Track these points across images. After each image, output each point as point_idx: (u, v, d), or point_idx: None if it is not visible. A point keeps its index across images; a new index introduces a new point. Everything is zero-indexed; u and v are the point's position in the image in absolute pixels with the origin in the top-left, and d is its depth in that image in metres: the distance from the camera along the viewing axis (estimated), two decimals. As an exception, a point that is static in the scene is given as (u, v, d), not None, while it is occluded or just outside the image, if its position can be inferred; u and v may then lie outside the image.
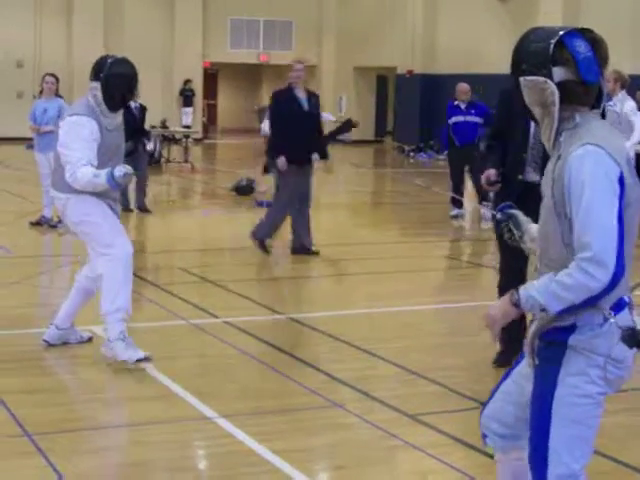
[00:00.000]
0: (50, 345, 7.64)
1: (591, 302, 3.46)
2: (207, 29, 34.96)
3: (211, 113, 41.11)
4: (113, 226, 7.23)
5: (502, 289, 7.42)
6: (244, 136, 34.28)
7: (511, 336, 5.94)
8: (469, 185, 16.68)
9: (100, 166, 6.99)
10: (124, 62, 7.28)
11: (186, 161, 24.71)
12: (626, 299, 3.60)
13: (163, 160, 24.35)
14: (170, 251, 12.93)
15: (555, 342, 3.60)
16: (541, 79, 3.54)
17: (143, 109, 16.49)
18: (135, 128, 15.19)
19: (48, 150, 13.72)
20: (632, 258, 3.58)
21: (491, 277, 8.67)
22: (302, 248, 12.23)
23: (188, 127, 31.10)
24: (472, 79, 20.03)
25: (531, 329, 3.68)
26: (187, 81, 34.35)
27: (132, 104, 15.49)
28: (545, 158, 4.35)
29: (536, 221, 3.85)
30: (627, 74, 13.86)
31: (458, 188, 16.29)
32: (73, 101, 32.73)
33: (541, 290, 3.49)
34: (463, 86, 16.32)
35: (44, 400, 6.53)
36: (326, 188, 19.32)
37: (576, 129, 3.56)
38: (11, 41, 31.74)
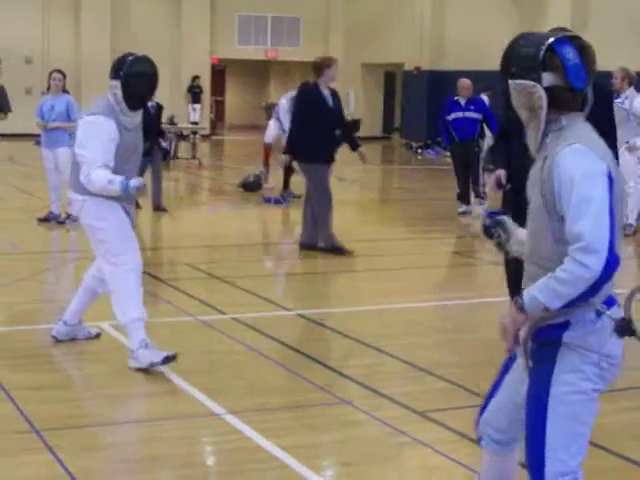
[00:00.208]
0: (58, 341, 7.64)
1: (589, 294, 3.50)
2: (215, 25, 34.96)
3: (219, 109, 41.11)
4: (126, 236, 7.12)
5: (510, 287, 7.42)
6: (252, 132, 34.25)
7: None
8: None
9: (118, 166, 6.89)
10: (145, 60, 7.17)
11: (194, 157, 24.73)
12: (615, 297, 3.68)
13: (170, 157, 24.36)
14: (177, 247, 12.94)
15: (549, 341, 3.64)
16: (530, 83, 3.61)
17: (159, 108, 16.32)
18: (152, 127, 15.10)
19: (55, 146, 13.75)
20: (621, 250, 3.61)
21: (498, 274, 8.65)
22: (311, 244, 12.20)
23: (196, 123, 31.10)
24: (480, 76, 20.02)
25: (523, 330, 3.69)
26: (195, 77, 34.35)
27: (149, 103, 15.41)
28: None
29: None
30: (635, 72, 13.87)
31: (464, 184, 16.28)
32: (81, 97, 32.85)
33: (541, 289, 3.53)
34: (465, 82, 16.25)
35: (52, 396, 6.54)
36: (333, 185, 19.28)
37: (562, 131, 3.64)
38: (19, 37, 31.79)
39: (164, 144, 19.01)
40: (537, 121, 3.66)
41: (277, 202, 16.94)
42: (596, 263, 3.43)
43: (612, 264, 3.46)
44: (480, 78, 19.36)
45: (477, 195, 16.24)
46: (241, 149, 31.87)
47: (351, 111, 31.76)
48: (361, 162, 12.99)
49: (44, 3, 32.73)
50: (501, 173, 7.80)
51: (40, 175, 14.37)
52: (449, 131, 16.29)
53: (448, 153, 28.58)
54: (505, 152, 7.87)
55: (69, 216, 13.89)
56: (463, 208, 16.15)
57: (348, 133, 12.71)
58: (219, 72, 40.00)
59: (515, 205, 5.46)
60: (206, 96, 35.34)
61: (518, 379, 3.84)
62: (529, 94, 3.63)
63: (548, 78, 3.60)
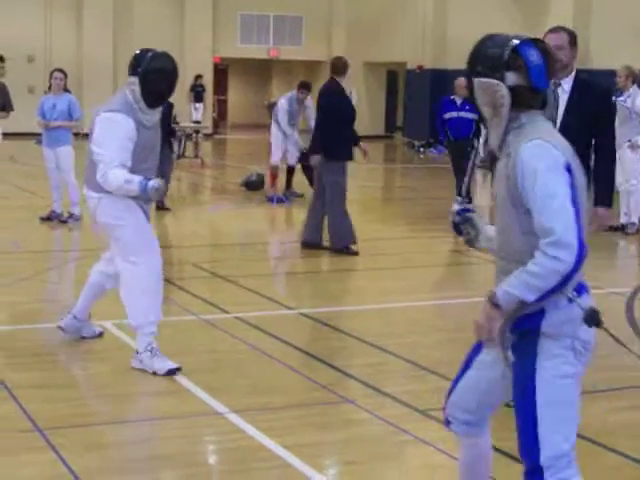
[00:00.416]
0: (64, 332, 7.59)
1: (562, 284, 3.61)
2: (217, 24, 34.97)
3: (221, 108, 41.12)
4: (145, 235, 7.00)
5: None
6: (254, 131, 34.26)
7: None
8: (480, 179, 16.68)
9: (135, 165, 6.75)
10: (164, 56, 6.94)
11: (196, 156, 24.72)
12: (584, 284, 3.81)
13: (174, 155, 24.32)
14: (181, 246, 12.94)
15: (528, 330, 3.76)
16: (494, 82, 3.77)
17: (170, 106, 15.94)
18: (163, 126, 14.96)
19: (56, 145, 13.76)
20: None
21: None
22: (314, 242, 12.18)
23: (198, 122, 31.10)
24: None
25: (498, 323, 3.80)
26: (198, 77, 34.35)
27: None
28: None
29: None
30: (639, 70, 13.89)
31: (468, 181, 16.28)
32: (82, 96, 32.84)
33: (514, 284, 3.64)
34: (461, 81, 16.16)
35: (55, 395, 6.54)
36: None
37: (522, 128, 3.79)
38: (22, 36, 31.81)
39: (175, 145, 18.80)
40: (499, 118, 3.80)
41: (280, 201, 16.94)
42: (568, 256, 3.55)
43: (582, 253, 3.57)
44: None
45: (459, 194, 16.21)
46: (243, 148, 31.87)
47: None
48: (363, 158, 13.03)
49: (46, 2, 32.76)
50: None
51: (42, 174, 14.38)
52: (445, 130, 16.35)
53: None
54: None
55: (71, 215, 13.92)
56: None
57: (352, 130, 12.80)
58: (221, 71, 40.00)
59: None
60: (208, 95, 35.35)
61: (488, 363, 3.98)
62: (493, 92, 3.78)
63: (511, 78, 3.76)
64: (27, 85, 30.74)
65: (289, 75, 39.10)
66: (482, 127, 15.96)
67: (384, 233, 14.34)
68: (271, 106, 17.65)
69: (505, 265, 3.81)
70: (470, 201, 16.12)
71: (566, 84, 6.69)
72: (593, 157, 6.64)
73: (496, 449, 4.31)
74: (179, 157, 23.90)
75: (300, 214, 15.75)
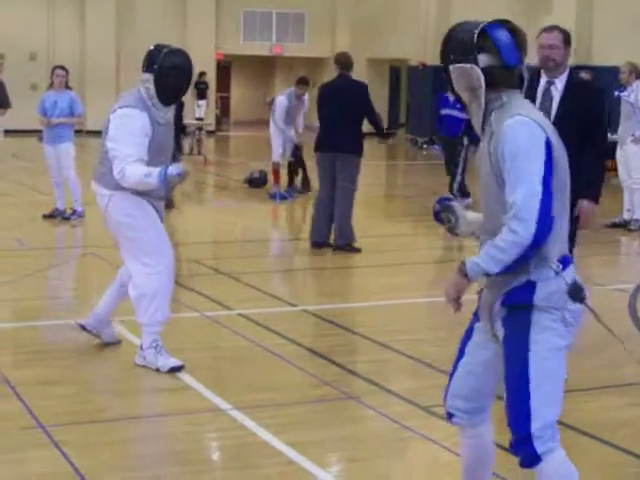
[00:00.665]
0: (83, 330, 7.44)
1: (522, 259, 3.76)
2: (220, 21, 34.94)
3: (224, 105, 41.09)
4: (158, 233, 6.90)
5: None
6: (257, 128, 34.24)
7: None
8: None
9: (150, 162, 6.62)
10: (180, 53, 6.86)
11: (199, 153, 24.70)
12: (569, 257, 3.94)
13: (181, 156, 24.30)
14: (183, 243, 12.93)
15: (519, 305, 3.88)
16: (467, 66, 3.90)
17: (181, 104, 15.79)
18: (175, 124, 14.89)
19: (57, 142, 13.76)
20: (567, 212, 3.93)
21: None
22: (324, 242, 12.11)
23: (201, 119, 31.09)
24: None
25: (484, 299, 4.02)
26: (201, 74, 34.31)
27: None
28: None
29: None
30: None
31: (462, 178, 16.29)
32: (85, 93, 32.80)
33: (481, 256, 3.84)
34: None
35: (58, 392, 6.54)
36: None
37: (504, 106, 3.90)
38: (24, 34, 31.79)
39: (186, 141, 18.63)
40: (478, 100, 3.92)
41: (282, 198, 16.93)
42: (524, 230, 3.70)
43: (541, 232, 3.71)
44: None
45: (450, 191, 16.21)
46: (246, 145, 31.87)
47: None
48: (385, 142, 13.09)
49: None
50: None
51: (45, 171, 14.38)
52: (441, 126, 16.45)
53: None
54: None
55: (74, 212, 13.92)
56: (461, 201, 16.15)
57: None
58: (224, 68, 39.97)
59: None
60: (211, 92, 35.32)
61: (479, 345, 4.10)
62: (468, 76, 3.91)
63: (484, 59, 3.89)
64: (30, 83, 30.70)
65: (292, 72, 39.07)
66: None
67: (387, 230, 14.33)
68: (272, 103, 17.59)
69: (489, 239, 3.90)
70: (467, 197, 16.10)
71: (559, 82, 6.76)
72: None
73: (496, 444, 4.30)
74: (190, 153, 23.79)
75: (303, 210, 15.77)
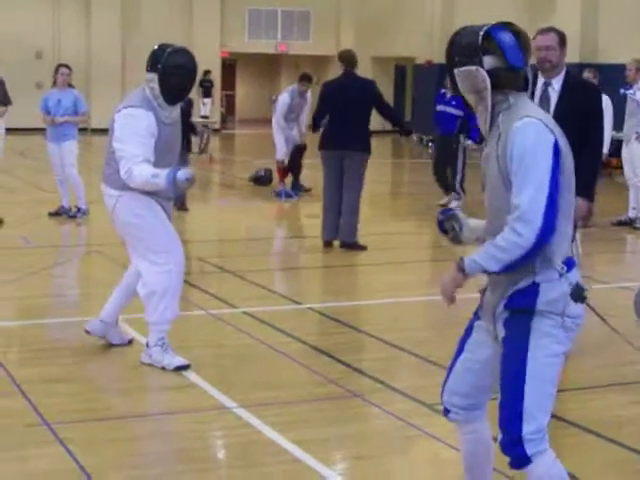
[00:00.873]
0: (90, 343, 7.40)
1: (524, 260, 3.79)
2: (225, 19, 34.97)
3: (229, 103, 41.11)
4: (167, 232, 6.88)
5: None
6: (262, 126, 34.25)
7: None
8: None
9: (156, 162, 6.60)
10: (183, 52, 6.82)
11: (205, 152, 24.69)
12: (573, 258, 3.95)
13: (190, 156, 24.22)
14: (189, 241, 12.93)
15: (521, 309, 3.89)
16: (473, 68, 3.92)
17: (189, 102, 15.62)
18: (183, 124, 14.82)
19: (62, 140, 13.77)
20: (572, 213, 3.95)
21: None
22: (333, 239, 12.09)
23: (206, 117, 31.10)
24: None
25: (488, 299, 4.03)
26: (206, 72, 34.33)
27: None
28: None
29: None
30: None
31: (446, 176, 16.27)
32: (90, 91, 32.76)
33: (481, 254, 3.86)
34: None
35: (63, 390, 6.55)
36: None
37: (511, 108, 3.92)
38: (30, 32, 31.85)
39: (195, 138, 18.53)
40: (484, 102, 3.94)
41: (288, 196, 16.93)
42: (528, 232, 3.73)
43: (545, 233, 3.74)
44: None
45: (453, 190, 16.18)
46: (251, 143, 31.89)
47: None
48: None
49: (54, -3, 32.82)
50: None
51: (51, 169, 14.38)
52: (437, 122, 16.49)
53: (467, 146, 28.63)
54: None
55: (79, 209, 13.93)
56: (445, 200, 16.16)
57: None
58: (229, 66, 39.99)
59: None
60: (216, 90, 35.34)
61: (479, 343, 4.13)
62: (473, 78, 3.92)
63: (489, 61, 3.91)
64: (35, 81, 30.75)
65: (297, 70, 39.07)
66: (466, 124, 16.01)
67: (392, 228, 14.34)
68: (277, 101, 17.56)
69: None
70: (462, 196, 16.07)
71: (556, 83, 6.86)
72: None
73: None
74: (201, 152, 23.73)
75: (308, 208, 15.77)
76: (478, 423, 4.21)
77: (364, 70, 34.79)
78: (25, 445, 5.57)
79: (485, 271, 3.86)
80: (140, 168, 6.53)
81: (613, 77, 18.06)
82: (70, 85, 14.06)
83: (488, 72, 3.89)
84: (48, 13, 32.62)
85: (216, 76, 35.06)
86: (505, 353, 3.93)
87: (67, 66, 14.18)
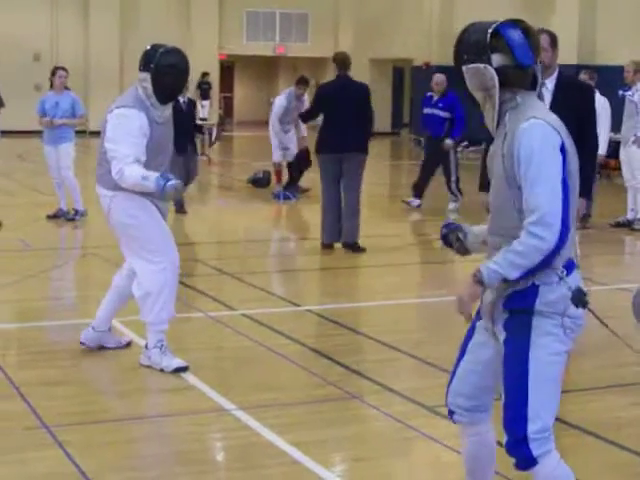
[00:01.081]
0: (87, 348, 7.38)
1: (545, 263, 3.75)
2: (223, 21, 34.97)
3: (227, 105, 41.10)
4: (161, 231, 6.90)
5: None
6: (260, 128, 34.23)
7: None
8: None
9: (148, 162, 6.64)
10: (175, 52, 6.85)
11: (203, 154, 24.68)
12: (574, 261, 3.93)
13: (198, 157, 24.15)
14: (187, 244, 12.94)
15: (520, 309, 3.87)
16: (481, 65, 3.90)
17: (192, 103, 15.74)
18: (185, 125, 14.83)
19: (59, 143, 13.77)
20: (574, 223, 3.91)
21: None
22: (334, 242, 12.08)
23: (204, 120, 31.08)
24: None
25: (486, 298, 3.97)
26: (205, 74, 34.34)
27: (180, 99, 15.22)
28: None
29: None
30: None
31: (425, 179, 16.24)
32: (89, 93, 32.69)
33: (499, 262, 3.78)
34: (438, 77, 16.26)
35: (62, 392, 6.55)
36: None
37: (519, 107, 3.90)
38: (28, 35, 31.84)
39: (205, 136, 18.47)
40: (492, 100, 3.92)
41: (286, 198, 16.92)
42: (550, 235, 3.69)
43: (564, 234, 3.71)
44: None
45: (450, 192, 16.16)
46: (250, 145, 31.89)
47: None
48: None
49: (53, 0, 32.77)
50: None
51: (48, 172, 14.38)
52: (425, 125, 16.50)
53: (459, 149, 28.62)
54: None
55: (76, 212, 13.93)
56: (410, 199, 16.12)
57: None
58: (227, 68, 39.98)
59: None
60: (215, 92, 35.34)
61: (481, 344, 4.10)
62: (481, 75, 3.90)
63: (497, 59, 3.88)
64: (34, 83, 30.75)
65: (295, 72, 39.08)
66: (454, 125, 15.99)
67: (391, 229, 14.33)
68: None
69: (498, 240, 3.93)
70: (459, 198, 16.06)
71: (549, 83, 6.96)
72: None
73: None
74: (211, 145, 23.59)
75: (307, 210, 15.77)
76: (482, 426, 4.19)
77: (362, 72, 34.86)
78: (24, 448, 5.57)
79: (505, 280, 3.79)
80: (131, 169, 6.57)
81: (611, 79, 18.07)
82: (67, 88, 14.06)
83: (496, 70, 3.86)
84: (46, 15, 32.62)
85: (214, 78, 35.07)
86: (507, 354, 3.92)
87: (64, 69, 14.18)
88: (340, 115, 11.86)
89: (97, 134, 6.89)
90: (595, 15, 25.21)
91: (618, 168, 14.92)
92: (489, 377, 4.10)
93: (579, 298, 3.83)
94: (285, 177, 17.63)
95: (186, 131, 14.70)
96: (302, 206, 16.59)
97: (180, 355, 7.06)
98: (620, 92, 14.52)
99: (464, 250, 4.31)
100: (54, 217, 14.02)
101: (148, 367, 6.99)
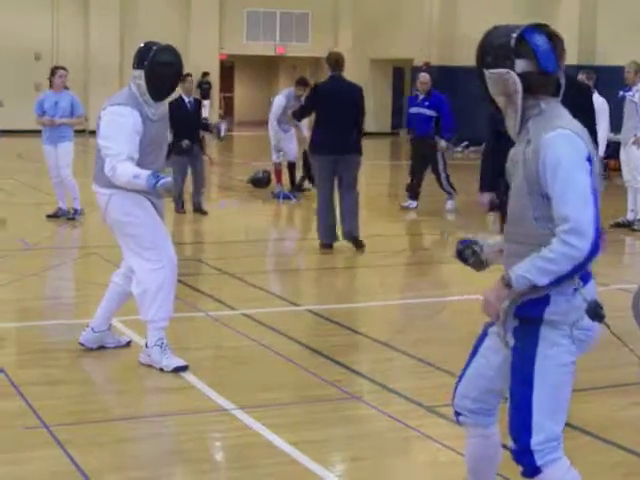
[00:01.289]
0: (87, 348, 7.39)
1: (576, 271, 3.72)
2: (223, 21, 34.98)
3: (227, 105, 41.12)
4: (158, 230, 6.93)
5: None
6: (261, 128, 34.23)
7: None
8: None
9: (142, 159, 6.67)
10: (169, 49, 6.90)
11: (203, 153, 24.63)
12: (590, 271, 3.89)
13: (206, 157, 24.06)
14: (188, 243, 12.96)
15: (530, 318, 3.84)
16: (504, 71, 3.82)
17: (198, 103, 15.72)
18: (191, 125, 14.87)
19: (59, 142, 13.77)
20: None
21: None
22: (332, 242, 12.10)
23: (206, 119, 31.06)
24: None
25: (502, 305, 3.89)
26: (205, 74, 34.35)
27: (186, 99, 15.24)
28: None
29: None
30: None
31: (418, 180, 16.23)
32: (89, 92, 32.65)
33: (529, 268, 3.72)
34: (422, 76, 16.33)
35: (62, 392, 6.56)
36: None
37: (542, 115, 3.85)
38: (29, 34, 31.85)
39: (222, 132, 18.43)
40: (514, 106, 3.86)
41: (286, 198, 16.93)
42: (584, 244, 3.64)
43: (597, 242, 3.67)
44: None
45: (443, 190, 16.15)
46: (250, 145, 31.88)
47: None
48: None
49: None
50: (491, 197, 8.05)
51: (47, 172, 14.38)
52: (411, 125, 16.51)
53: (459, 149, 28.64)
54: (492, 174, 8.10)
55: (75, 211, 13.94)
56: (407, 203, 16.12)
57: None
58: (228, 68, 39.99)
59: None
60: (215, 92, 35.34)
61: (492, 349, 4.05)
62: (504, 81, 3.83)
63: (521, 64, 3.81)
64: (34, 82, 30.74)
65: (296, 72, 39.09)
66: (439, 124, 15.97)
67: (391, 230, 14.34)
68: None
69: (515, 247, 3.91)
70: (453, 194, 16.05)
71: None
72: None
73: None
74: (221, 138, 23.52)
75: (306, 210, 15.77)
76: (488, 429, 4.17)
77: (362, 72, 34.92)
78: (24, 447, 5.58)
79: (533, 285, 3.74)
80: (124, 167, 6.60)
81: (611, 79, 18.08)
82: (66, 87, 14.06)
83: (519, 75, 3.80)
84: (47, 15, 32.63)
85: (214, 78, 35.08)
86: (513, 362, 3.91)
87: (64, 68, 14.18)
88: (334, 116, 11.87)
89: (96, 133, 6.90)
90: (595, 16, 25.23)
91: (618, 169, 14.92)
92: (498, 382, 4.07)
93: (595, 311, 3.79)
94: (285, 177, 17.63)
95: (192, 131, 14.71)
96: (302, 205, 16.59)
97: (180, 354, 7.06)
98: (621, 92, 14.52)
99: (480, 263, 4.22)
100: (54, 216, 14.02)
101: (148, 366, 7.00)
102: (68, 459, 5.36)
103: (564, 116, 3.88)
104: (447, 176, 16.09)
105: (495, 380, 4.07)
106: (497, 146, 8.01)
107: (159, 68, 6.77)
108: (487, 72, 3.88)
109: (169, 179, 6.57)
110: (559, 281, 3.73)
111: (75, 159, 14.17)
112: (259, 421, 5.98)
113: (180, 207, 14.96)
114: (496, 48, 3.84)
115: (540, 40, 3.83)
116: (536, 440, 3.80)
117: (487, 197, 8.11)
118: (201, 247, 12.63)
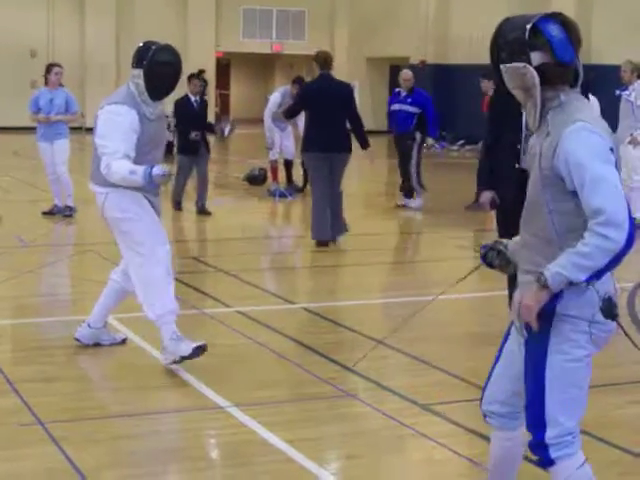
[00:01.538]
0: (82, 344, 7.41)
1: (613, 263, 3.66)
2: (220, 19, 34.96)
3: (224, 103, 41.10)
4: (153, 225, 6.92)
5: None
6: (257, 126, 34.22)
7: None
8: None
9: (140, 157, 6.68)
10: (168, 49, 6.90)
11: (208, 153, 24.56)
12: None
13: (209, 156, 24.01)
14: (183, 240, 12.96)
15: (543, 312, 3.77)
16: (520, 65, 3.75)
17: (203, 102, 15.65)
18: (197, 124, 14.84)
19: (54, 139, 13.77)
20: None
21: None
22: (327, 239, 12.11)
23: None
24: (486, 69, 19.95)
25: (516, 297, 3.87)
26: (201, 71, 34.26)
27: (192, 98, 15.24)
28: None
29: None
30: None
31: (409, 177, 16.21)
32: (85, 90, 32.61)
33: (564, 265, 3.64)
34: (405, 73, 16.28)
35: (57, 389, 6.56)
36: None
37: (562, 107, 3.78)
38: (25, 31, 31.83)
39: (226, 132, 18.41)
40: (533, 99, 3.79)
41: (282, 196, 16.93)
42: (619, 235, 3.58)
43: (632, 232, 3.62)
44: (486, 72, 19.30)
45: (412, 188, 16.06)
46: (246, 142, 31.84)
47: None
48: None
49: (49, -4, 32.81)
50: (491, 195, 8.09)
51: (43, 168, 14.38)
52: (393, 122, 16.44)
53: (455, 147, 28.66)
54: (490, 172, 8.16)
55: (70, 208, 13.93)
56: (404, 201, 16.09)
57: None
58: (224, 66, 39.96)
59: (512, 211, 5.51)
60: (211, 90, 35.32)
61: (514, 349, 4.01)
62: (521, 75, 3.76)
63: (537, 57, 3.74)
64: (30, 80, 30.71)
65: (292, 70, 39.07)
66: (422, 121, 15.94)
67: (387, 228, 14.34)
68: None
69: (529, 239, 3.87)
70: (420, 192, 16.01)
71: None
72: None
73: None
74: (230, 133, 23.44)
75: (302, 208, 15.77)
76: (515, 431, 4.13)
77: (359, 70, 34.96)
78: (19, 444, 5.58)
79: (571, 283, 3.67)
80: (119, 164, 6.61)
81: (606, 78, 18.09)
82: (60, 84, 14.05)
83: (536, 68, 3.73)
84: (43, 12, 32.61)
85: (211, 76, 35.05)
86: (526, 358, 3.89)
87: (60, 65, 14.18)
88: (324, 114, 11.92)
89: (93, 131, 6.91)
90: (591, 14, 25.24)
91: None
92: (522, 382, 4.00)
93: (609, 310, 3.76)
94: (282, 175, 17.63)
95: (197, 130, 14.69)
96: (297, 204, 16.60)
97: (175, 352, 7.06)
98: (617, 91, 14.53)
99: (506, 263, 4.16)
100: (49, 213, 14.02)
101: (142, 364, 6.99)
102: (63, 456, 5.37)
103: (584, 109, 3.81)
104: (418, 173, 16.00)
105: (519, 381, 4.00)
106: (495, 144, 8.03)
107: (158, 67, 6.77)
108: (503, 67, 3.81)
109: (164, 166, 6.62)
110: (597, 275, 3.67)
111: (71, 156, 14.18)
112: (254, 419, 5.99)
113: (177, 205, 14.97)
114: (510, 42, 3.77)
115: (555, 30, 3.77)
116: (550, 434, 3.81)
117: (486, 196, 8.10)
118: (197, 245, 12.63)
